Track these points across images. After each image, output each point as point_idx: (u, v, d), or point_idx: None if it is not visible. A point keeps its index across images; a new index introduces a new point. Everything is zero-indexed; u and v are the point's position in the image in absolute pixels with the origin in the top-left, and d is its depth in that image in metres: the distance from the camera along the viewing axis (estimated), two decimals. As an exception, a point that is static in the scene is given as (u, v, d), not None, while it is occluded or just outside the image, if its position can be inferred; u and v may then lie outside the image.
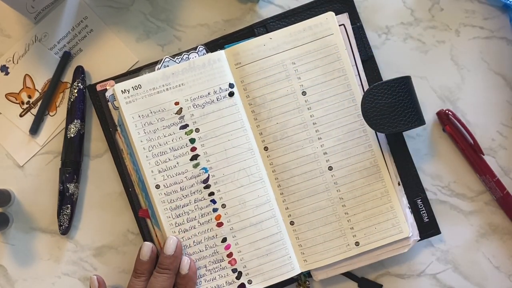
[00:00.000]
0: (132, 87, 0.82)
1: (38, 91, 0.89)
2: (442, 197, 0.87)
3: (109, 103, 0.84)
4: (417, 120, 0.81)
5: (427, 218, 0.85)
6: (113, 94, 0.83)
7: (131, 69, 0.88)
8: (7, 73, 0.89)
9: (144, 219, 0.85)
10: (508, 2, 0.86)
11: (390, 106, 0.79)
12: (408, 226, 0.83)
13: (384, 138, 0.85)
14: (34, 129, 0.88)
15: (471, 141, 0.85)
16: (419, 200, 0.85)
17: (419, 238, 0.84)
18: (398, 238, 0.83)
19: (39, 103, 0.88)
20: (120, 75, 0.86)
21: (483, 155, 0.86)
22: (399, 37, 0.88)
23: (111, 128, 0.86)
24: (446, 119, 0.86)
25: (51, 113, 0.89)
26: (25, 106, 0.89)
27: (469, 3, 0.88)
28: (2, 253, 0.89)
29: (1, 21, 0.89)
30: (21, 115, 0.89)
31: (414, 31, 0.88)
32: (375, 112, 0.79)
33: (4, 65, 0.89)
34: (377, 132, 0.83)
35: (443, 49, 0.88)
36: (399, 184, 0.84)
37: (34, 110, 0.88)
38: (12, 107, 0.89)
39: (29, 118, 0.88)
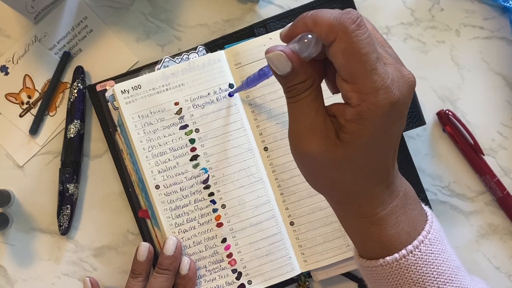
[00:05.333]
0: (132, 87, 0.82)
1: (38, 91, 0.89)
2: (442, 197, 0.87)
3: (109, 103, 0.84)
4: (417, 120, 0.81)
5: (427, 218, 0.85)
6: (112, 94, 0.83)
7: (131, 69, 0.88)
8: (7, 73, 0.89)
9: (144, 220, 0.85)
10: (508, 4, 0.86)
11: (390, 107, 0.79)
12: (408, 226, 0.83)
13: (384, 138, 0.85)
14: (34, 129, 0.88)
15: (471, 141, 0.85)
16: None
17: (419, 238, 0.84)
18: (398, 238, 0.83)
19: (39, 103, 0.88)
20: (120, 75, 0.86)
21: (483, 155, 0.86)
22: (399, 37, 0.88)
23: (111, 129, 0.86)
24: (446, 119, 0.86)
25: (51, 113, 0.89)
26: (25, 106, 0.89)
27: (469, 3, 0.88)
28: (2, 253, 0.89)
29: (1, 21, 0.89)
30: (21, 115, 0.89)
31: (414, 31, 0.88)
32: (375, 112, 0.79)
33: (4, 65, 0.89)
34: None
35: (443, 49, 0.88)
36: (399, 184, 0.84)
37: (34, 110, 0.88)
38: (12, 107, 0.89)
39: (29, 118, 0.88)
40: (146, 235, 0.85)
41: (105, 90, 0.85)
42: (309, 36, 0.53)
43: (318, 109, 0.56)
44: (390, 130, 0.56)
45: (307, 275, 0.85)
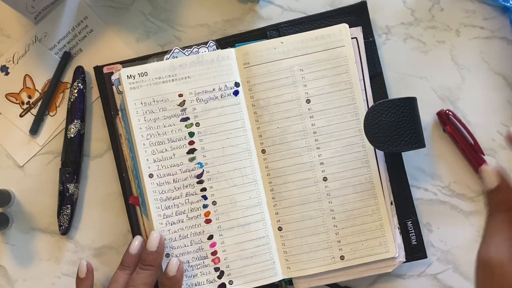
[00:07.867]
0: (138, 74, 0.82)
1: (38, 91, 0.89)
2: (442, 197, 0.87)
3: (114, 87, 0.85)
4: (418, 142, 0.80)
5: (415, 241, 0.84)
6: (118, 78, 0.83)
7: (140, 56, 0.88)
8: (7, 73, 0.89)
9: (134, 207, 0.85)
10: (508, 4, 0.85)
11: (392, 125, 0.79)
12: (395, 247, 0.82)
13: (382, 156, 0.84)
14: (34, 129, 0.88)
15: (471, 141, 0.85)
16: (410, 222, 0.84)
17: (405, 260, 0.83)
18: (384, 257, 0.82)
19: (39, 103, 0.89)
20: (128, 60, 0.87)
21: (483, 155, 0.85)
22: (399, 37, 0.88)
23: (113, 112, 0.86)
24: (446, 119, 0.85)
25: (51, 113, 0.89)
26: (25, 106, 0.89)
27: (469, 3, 0.88)
28: (2, 253, 0.89)
29: (1, 21, 0.90)
30: (21, 115, 0.89)
31: (414, 31, 0.88)
32: (377, 129, 0.79)
33: (4, 65, 0.89)
34: (376, 150, 0.83)
35: (443, 49, 0.88)
36: (391, 204, 0.84)
37: (34, 110, 0.89)
38: (12, 107, 0.89)
39: (29, 118, 0.89)
40: (134, 222, 0.85)
41: (112, 73, 0.85)
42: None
43: None
44: None
45: (289, 282, 0.84)
